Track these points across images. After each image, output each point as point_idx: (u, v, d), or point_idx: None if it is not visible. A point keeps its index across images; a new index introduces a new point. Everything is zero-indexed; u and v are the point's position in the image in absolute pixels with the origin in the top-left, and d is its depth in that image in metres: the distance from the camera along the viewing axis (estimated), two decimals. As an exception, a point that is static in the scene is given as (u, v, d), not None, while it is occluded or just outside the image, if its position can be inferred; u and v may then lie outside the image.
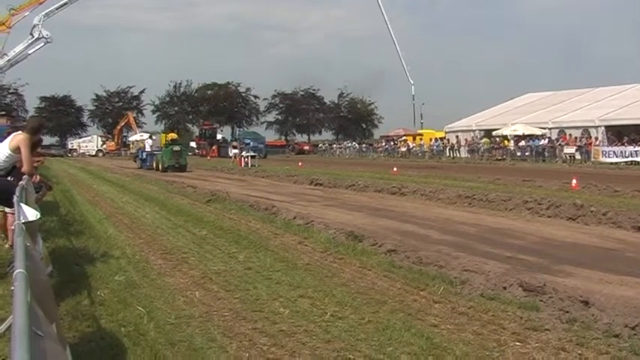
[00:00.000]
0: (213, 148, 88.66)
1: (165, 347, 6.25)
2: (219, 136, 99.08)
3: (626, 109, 56.48)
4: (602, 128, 55.38)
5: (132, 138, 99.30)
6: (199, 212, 17.49)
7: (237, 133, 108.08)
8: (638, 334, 6.34)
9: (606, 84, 69.97)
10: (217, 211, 17.87)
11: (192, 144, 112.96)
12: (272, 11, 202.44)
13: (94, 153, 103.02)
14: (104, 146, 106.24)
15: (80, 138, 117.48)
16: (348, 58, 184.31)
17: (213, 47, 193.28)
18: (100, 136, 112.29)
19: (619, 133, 52.95)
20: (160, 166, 43.57)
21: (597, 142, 52.99)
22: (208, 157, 79.91)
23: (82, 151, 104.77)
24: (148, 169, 45.17)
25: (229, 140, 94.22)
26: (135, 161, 54.43)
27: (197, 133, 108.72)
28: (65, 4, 69.45)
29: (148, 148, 50.30)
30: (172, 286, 8.83)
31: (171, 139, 47.36)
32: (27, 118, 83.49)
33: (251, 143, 78.10)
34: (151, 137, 58.37)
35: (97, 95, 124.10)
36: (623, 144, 49.76)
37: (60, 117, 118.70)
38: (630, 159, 47.18)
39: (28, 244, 4.24)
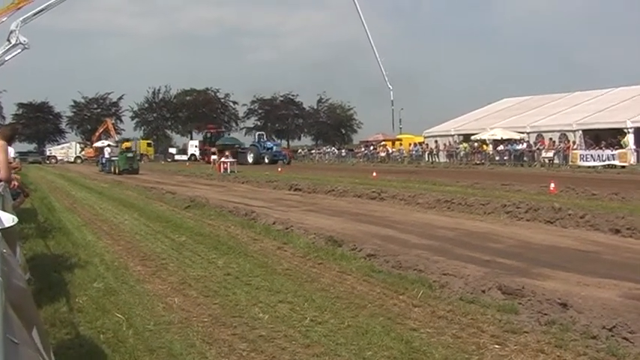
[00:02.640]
0: (226, 153, 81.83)
1: (145, 354, 6.22)
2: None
3: (603, 113, 56.92)
4: (580, 132, 55.76)
5: (96, 145, 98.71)
6: (178, 218, 17.42)
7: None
8: (616, 335, 6.37)
9: (583, 88, 70.58)
10: (196, 216, 17.82)
11: (172, 150, 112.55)
12: (252, 16, 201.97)
13: (72, 160, 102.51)
14: (83, 153, 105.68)
15: (58, 145, 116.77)
16: (329, 63, 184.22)
17: (194, 53, 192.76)
18: (79, 143, 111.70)
19: (596, 137, 53.35)
20: (117, 170, 51.56)
21: (575, 146, 53.36)
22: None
23: (60, 158, 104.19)
24: (108, 173, 52.80)
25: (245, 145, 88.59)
26: (97, 165, 63.57)
27: (200, 138, 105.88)
28: (43, 10, 68.93)
29: (107, 155, 58.42)
30: (151, 293, 8.78)
31: (125, 148, 56.69)
32: (3, 125, 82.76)
33: (273, 148, 76.66)
34: (109, 145, 71.32)
35: (75, 102, 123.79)
36: (600, 148, 50.13)
37: (38, 124, 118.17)
38: (607, 162, 47.59)
39: (5, 250, 4.20)
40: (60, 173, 54.91)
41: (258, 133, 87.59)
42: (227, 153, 76.43)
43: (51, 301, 8.09)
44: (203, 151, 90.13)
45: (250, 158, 72.53)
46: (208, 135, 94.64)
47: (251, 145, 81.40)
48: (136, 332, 6.89)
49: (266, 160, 71.86)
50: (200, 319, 7.43)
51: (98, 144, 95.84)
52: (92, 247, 12.85)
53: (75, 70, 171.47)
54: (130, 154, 54.43)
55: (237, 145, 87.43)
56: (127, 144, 61.24)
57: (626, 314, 7.10)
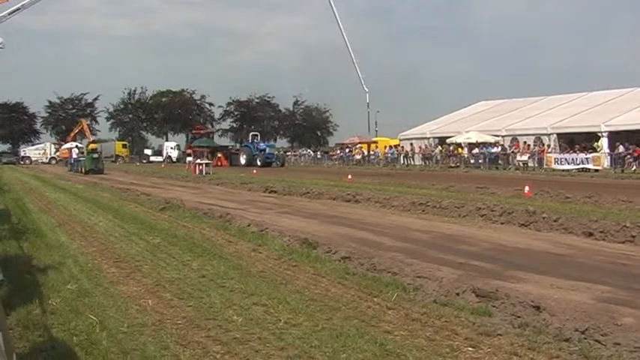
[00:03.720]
0: (219, 156, 77.65)
1: (118, 356, 6.17)
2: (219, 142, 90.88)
3: (578, 117, 57.60)
4: (554, 136, 56.33)
5: (64, 147, 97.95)
6: (153, 220, 17.34)
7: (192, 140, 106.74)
8: (588, 337, 6.40)
9: (557, 92, 71.22)
10: (171, 218, 17.75)
11: (147, 151, 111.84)
12: (229, 18, 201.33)
13: (47, 160, 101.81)
14: (57, 154, 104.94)
15: (33, 145, 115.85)
16: (305, 66, 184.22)
17: (170, 54, 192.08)
18: (54, 144, 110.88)
19: (571, 141, 53.92)
20: (84, 170, 55.06)
21: (549, 150, 53.80)
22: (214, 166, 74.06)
23: (35, 159, 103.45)
24: (75, 172, 57.02)
25: (237, 146, 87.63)
26: (66, 165, 68.91)
27: (187, 140, 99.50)
28: (18, 9, 68.48)
29: (74, 156, 64.47)
30: (125, 295, 8.72)
31: (91, 149, 59.72)
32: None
33: (267, 150, 72.84)
34: (77, 147, 75.60)
35: (50, 102, 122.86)
36: (574, 151, 50.53)
37: (12, 124, 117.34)
38: (581, 166, 48.00)
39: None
40: (34, 174, 54.57)
41: (252, 133, 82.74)
42: (219, 154, 75.96)
43: (24, 302, 8.00)
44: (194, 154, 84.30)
45: (243, 160, 70.76)
46: (197, 137, 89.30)
47: (244, 146, 79.29)
48: (110, 334, 6.83)
49: (258, 163, 68.31)
50: (174, 321, 7.39)
51: (66, 145, 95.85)
52: (66, 248, 12.73)
53: (50, 71, 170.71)
54: (95, 155, 57.32)
55: (230, 147, 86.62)
56: (92, 145, 64.47)
57: (599, 317, 7.14)
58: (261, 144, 75.29)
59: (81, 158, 60.44)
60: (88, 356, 6.15)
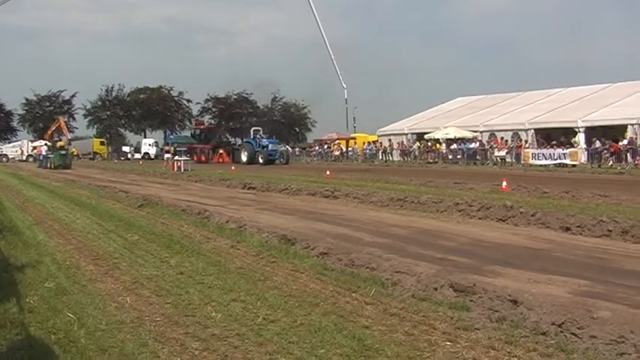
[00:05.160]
0: (220, 152, 77.03)
1: (96, 353, 6.14)
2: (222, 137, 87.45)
3: (555, 113, 57.92)
4: (532, 131, 56.66)
5: (34, 144, 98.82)
6: (131, 217, 17.26)
7: (170, 137, 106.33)
8: (565, 331, 6.44)
9: (535, 88, 71.57)
10: (149, 215, 17.68)
11: (125, 148, 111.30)
12: (208, 14, 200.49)
13: (24, 158, 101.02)
14: (35, 151, 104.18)
15: (10, 143, 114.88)
16: (285, 62, 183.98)
17: (148, 50, 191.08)
18: (31, 141, 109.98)
19: (548, 136, 54.24)
20: (52, 165, 59.88)
21: (527, 145, 54.06)
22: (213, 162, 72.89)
23: (12, 157, 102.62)
24: (45, 168, 61.00)
25: (238, 142, 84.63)
26: (34, 161, 74.09)
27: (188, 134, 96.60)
28: (-7, 6, 67.81)
29: (44, 153, 68.93)
30: (103, 292, 8.68)
31: (59, 147, 64.00)
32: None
33: (269, 146, 68.30)
34: (45, 144, 78.04)
35: (27, 99, 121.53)
36: (551, 146, 50.81)
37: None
38: (558, 161, 48.29)
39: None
40: (11, 172, 54.16)
41: (254, 128, 76.55)
42: (221, 151, 74.77)
43: (1, 301, 7.95)
44: (191, 150, 78.43)
45: (244, 157, 67.27)
46: (197, 132, 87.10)
47: (245, 143, 74.75)
48: (88, 332, 6.79)
49: (260, 160, 64.89)
50: (152, 318, 7.37)
51: (35, 143, 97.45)
52: (43, 246, 12.65)
53: (26, 68, 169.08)
54: (63, 152, 62.75)
55: (233, 143, 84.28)
56: (60, 143, 67.16)
57: (575, 311, 7.19)
58: (264, 140, 70.36)
59: (49, 155, 64.73)
60: (67, 354, 6.11)
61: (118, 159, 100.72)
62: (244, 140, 78.10)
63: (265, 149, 66.52)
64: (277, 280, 9.24)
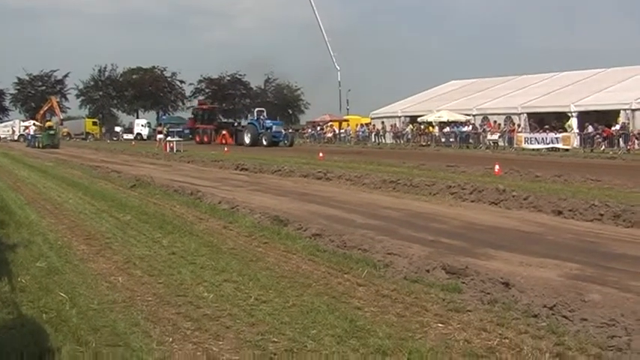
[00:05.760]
0: (224, 133, 73.00)
1: (88, 333, 6.12)
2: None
3: (548, 97, 57.90)
4: (525, 115, 56.66)
5: (24, 124, 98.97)
6: (123, 197, 17.22)
7: (162, 118, 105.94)
8: (556, 314, 6.46)
9: (528, 72, 71.51)
10: (142, 196, 17.65)
11: (117, 129, 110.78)
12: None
13: (16, 138, 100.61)
14: (27, 131, 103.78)
15: (2, 123, 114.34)
16: (281, 44, 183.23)
17: (143, 33, 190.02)
18: (22, 121, 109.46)
19: (541, 120, 54.28)
20: (41, 145, 60.57)
21: (520, 129, 54.06)
22: (212, 143, 70.96)
23: (4, 137, 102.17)
24: (33, 147, 61.96)
25: (233, 122, 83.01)
26: (24, 141, 76.45)
27: (190, 116, 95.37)
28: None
29: (32, 133, 72.09)
30: (95, 272, 8.67)
31: (48, 127, 66.46)
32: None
33: (273, 127, 65.55)
34: (34, 124, 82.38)
35: (19, 79, 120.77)
36: (544, 131, 50.81)
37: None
38: (551, 145, 48.25)
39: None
40: (3, 152, 53.82)
41: (257, 109, 73.99)
42: (224, 132, 73.32)
43: (-8, 280, 7.95)
44: (194, 130, 79.44)
45: (247, 139, 64.84)
46: (200, 112, 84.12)
47: (248, 124, 71.14)
48: (80, 311, 6.78)
49: (264, 142, 62.91)
50: (144, 298, 7.37)
51: (24, 123, 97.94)
52: (35, 226, 12.60)
53: (19, 48, 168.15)
54: (51, 132, 64.08)
55: (236, 124, 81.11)
56: (49, 123, 70.09)
57: (566, 293, 7.22)
58: (268, 121, 67.08)
59: (37, 135, 67.31)
60: (58, 333, 6.09)
61: (111, 139, 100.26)
62: (248, 122, 74.71)
63: (269, 131, 64.21)
64: (269, 261, 9.24)
